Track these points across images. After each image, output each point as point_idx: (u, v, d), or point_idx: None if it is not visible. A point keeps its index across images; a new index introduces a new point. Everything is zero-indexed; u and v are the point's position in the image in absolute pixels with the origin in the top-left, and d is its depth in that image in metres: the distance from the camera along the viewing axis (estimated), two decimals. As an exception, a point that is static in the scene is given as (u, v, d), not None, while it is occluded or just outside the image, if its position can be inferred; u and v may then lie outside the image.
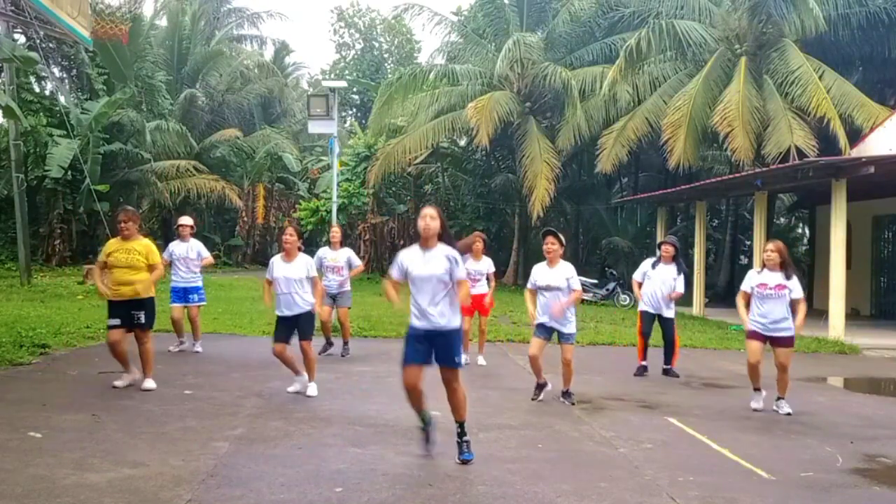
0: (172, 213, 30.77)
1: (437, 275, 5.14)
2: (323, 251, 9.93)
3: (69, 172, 23.00)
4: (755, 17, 19.14)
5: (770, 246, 7.31)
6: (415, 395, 5.26)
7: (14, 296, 15.93)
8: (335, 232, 9.88)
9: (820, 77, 17.69)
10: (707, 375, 9.59)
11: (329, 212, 18.35)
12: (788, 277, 7.18)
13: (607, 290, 20.57)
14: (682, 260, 9.51)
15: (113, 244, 7.24)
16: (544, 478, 4.96)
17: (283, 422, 6.21)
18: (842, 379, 10.15)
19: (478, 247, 9.53)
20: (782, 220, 33.02)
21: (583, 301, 20.39)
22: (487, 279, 9.53)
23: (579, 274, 22.56)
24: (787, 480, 5.13)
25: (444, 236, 5.27)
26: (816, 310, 17.14)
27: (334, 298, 9.71)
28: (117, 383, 7.28)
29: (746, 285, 7.40)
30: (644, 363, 9.34)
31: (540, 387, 7.52)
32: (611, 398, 7.86)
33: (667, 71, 21.42)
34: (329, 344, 9.93)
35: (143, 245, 7.22)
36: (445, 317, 5.18)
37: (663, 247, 9.42)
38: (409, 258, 5.27)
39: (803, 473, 5.31)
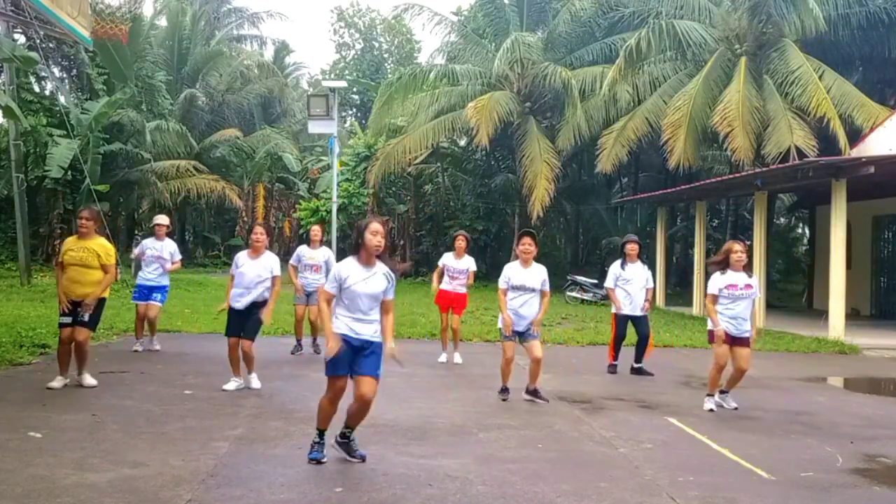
0: (172, 213, 30.79)
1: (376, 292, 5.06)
2: (302, 249, 10.05)
3: (69, 172, 22.96)
4: (755, 17, 19.14)
5: (738, 246, 7.33)
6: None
7: (14, 296, 15.93)
8: (315, 231, 9.91)
9: (820, 77, 17.69)
10: (707, 375, 9.56)
11: (329, 212, 18.34)
12: (750, 276, 7.30)
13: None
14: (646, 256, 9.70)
15: (70, 242, 7.26)
16: (544, 478, 4.96)
17: (283, 422, 6.21)
18: (842, 379, 10.15)
19: (460, 245, 9.59)
20: (782, 220, 33.02)
21: (582, 301, 20.47)
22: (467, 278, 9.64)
23: (579, 274, 22.54)
24: (787, 480, 5.13)
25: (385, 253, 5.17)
26: (816, 310, 17.19)
27: (308, 297, 9.71)
28: (53, 384, 7.15)
29: (714, 288, 7.36)
30: (615, 362, 9.51)
31: (506, 390, 7.56)
32: (611, 398, 7.86)
33: (667, 71, 21.42)
34: (299, 346, 9.96)
35: (100, 245, 7.20)
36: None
37: (629, 245, 9.46)
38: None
39: (803, 473, 5.31)
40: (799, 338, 13.49)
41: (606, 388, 8.47)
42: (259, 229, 7.58)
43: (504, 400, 7.45)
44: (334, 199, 14.32)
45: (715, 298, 7.33)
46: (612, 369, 9.51)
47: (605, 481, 4.95)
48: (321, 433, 5.17)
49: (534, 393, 7.46)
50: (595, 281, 21.11)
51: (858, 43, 20.29)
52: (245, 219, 35.40)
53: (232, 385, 7.47)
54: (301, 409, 6.75)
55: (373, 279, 5.05)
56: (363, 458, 5.14)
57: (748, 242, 7.96)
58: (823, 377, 10.05)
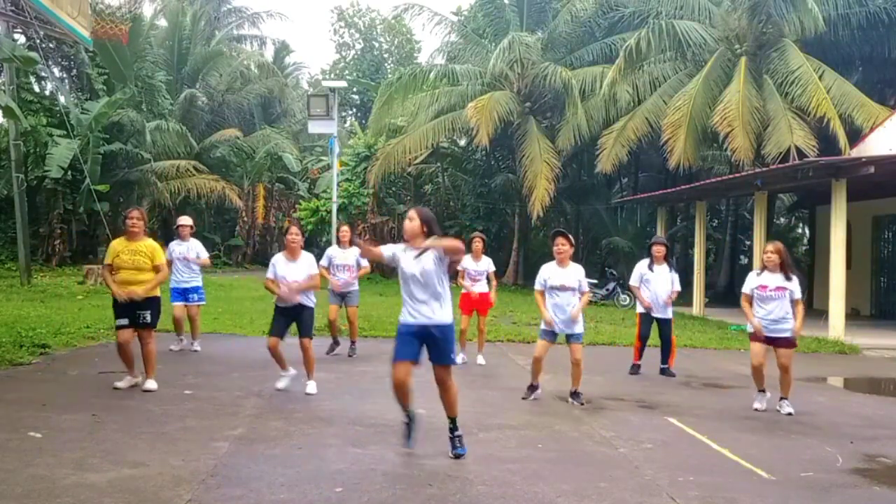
0: (172, 213, 30.76)
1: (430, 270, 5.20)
2: (333, 250, 9.97)
3: (69, 172, 22.98)
4: (755, 17, 19.14)
5: (770, 247, 7.31)
6: (402, 391, 5.36)
7: (14, 296, 15.93)
8: (345, 231, 9.90)
9: (820, 77, 17.69)
10: (707, 375, 9.60)
11: (329, 212, 18.34)
12: (788, 279, 7.19)
13: (607, 290, 20.57)
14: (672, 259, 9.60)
15: (118, 245, 7.22)
16: (544, 478, 4.96)
17: (283, 422, 6.21)
18: (842, 379, 10.15)
19: (477, 247, 9.60)
20: (782, 220, 33.02)
21: (584, 301, 20.44)
22: (488, 279, 9.59)
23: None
24: (787, 480, 5.13)
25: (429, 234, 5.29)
26: (816, 310, 17.16)
27: (343, 297, 9.74)
28: (119, 384, 7.27)
29: (747, 287, 7.43)
30: (639, 362, 9.44)
31: (532, 388, 7.56)
32: (611, 398, 7.86)
33: (667, 71, 21.43)
34: (336, 343, 9.97)
35: (149, 246, 7.21)
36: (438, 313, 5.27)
37: (655, 247, 9.41)
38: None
39: (803, 473, 5.31)
40: (799, 338, 13.45)
41: (606, 388, 8.47)
42: (294, 230, 7.44)
43: (524, 398, 7.47)
44: (334, 199, 14.29)
45: (747, 297, 7.36)
46: (635, 370, 9.37)
47: (605, 481, 4.95)
48: (405, 411, 5.43)
49: (573, 395, 7.46)
50: (595, 281, 21.10)
51: (858, 43, 20.29)
52: (245, 219, 35.41)
53: (284, 382, 7.45)
54: (301, 409, 6.75)
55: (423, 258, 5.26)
56: (457, 457, 5.29)
57: (748, 243, 7.96)
58: (823, 377, 10.04)
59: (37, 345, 9.51)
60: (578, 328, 7.33)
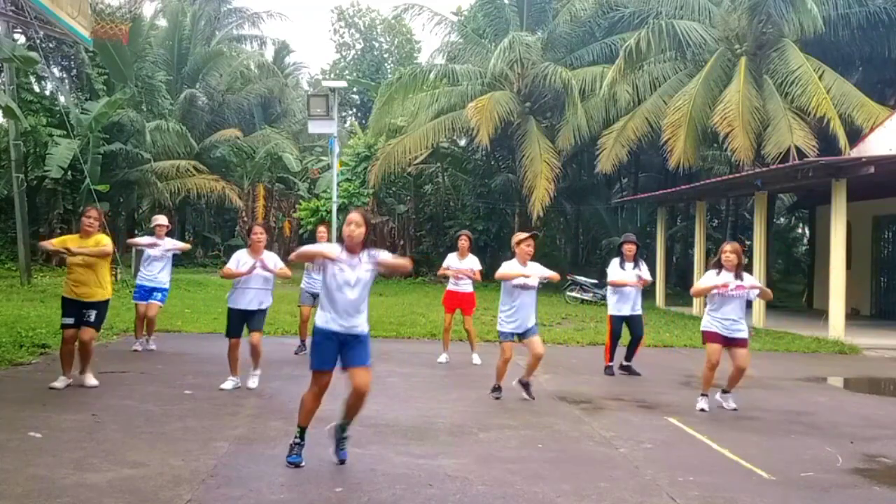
0: (173, 213, 30.75)
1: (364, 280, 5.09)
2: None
3: (69, 172, 22.97)
4: (755, 17, 19.14)
5: (728, 248, 7.39)
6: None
7: (14, 296, 15.92)
8: (322, 232, 9.91)
9: (820, 77, 17.69)
10: (707, 375, 9.57)
11: (329, 212, 18.34)
12: (739, 277, 7.28)
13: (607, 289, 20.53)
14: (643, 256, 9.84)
15: (71, 240, 7.28)
16: (544, 478, 4.96)
17: (283, 422, 6.21)
18: (842, 379, 10.15)
19: (463, 245, 9.61)
20: (782, 220, 33.02)
21: (582, 301, 20.45)
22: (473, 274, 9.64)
23: (579, 274, 22.53)
24: (787, 480, 5.13)
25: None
26: (816, 310, 17.19)
27: (315, 297, 9.72)
28: (55, 384, 7.14)
29: (703, 283, 7.52)
30: (611, 364, 9.54)
31: (499, 388, 7.56)
32: (611, 398, 7.86)
33: (667, 71, 21.42)
34: (303, 346, 9.94)
35: (95, 239, 7.21)
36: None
37: (626, 246, 9.52)
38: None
39: (803, 473, 5.31)
40: (799, 338, 13.49)
41: (606, 388, 8.47)
42: (258, 229, 7.62)
43: (496, 398, 7.46)
44: (334, 199, 14.31)
45: (702, 290, 7.44)
46: (609, 371, 9.49)
47: (605, 481, 4.95)
48: (303, 431, 5.10)
49: (525, 386, 7.48)
50: (595, 281, 21.10)
51: (858, 43, 20.28)
52: (245, 219, 35.39)
53: (229, 384, 7.50)
54: (301, 409, 6.75)
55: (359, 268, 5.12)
56: (342, 461, 5.09)
57: (748, 243, 8.02)
58: (823, 377, 10.04)
59: (37, 345, 9.51)
60: (535, 319, 7.39)
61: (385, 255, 5.19)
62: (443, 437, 5.96)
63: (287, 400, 7.12)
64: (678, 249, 29.14)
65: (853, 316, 16.85)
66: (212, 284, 20.74)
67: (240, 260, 7.52)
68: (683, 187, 19.24)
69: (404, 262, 5.44)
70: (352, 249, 5.04)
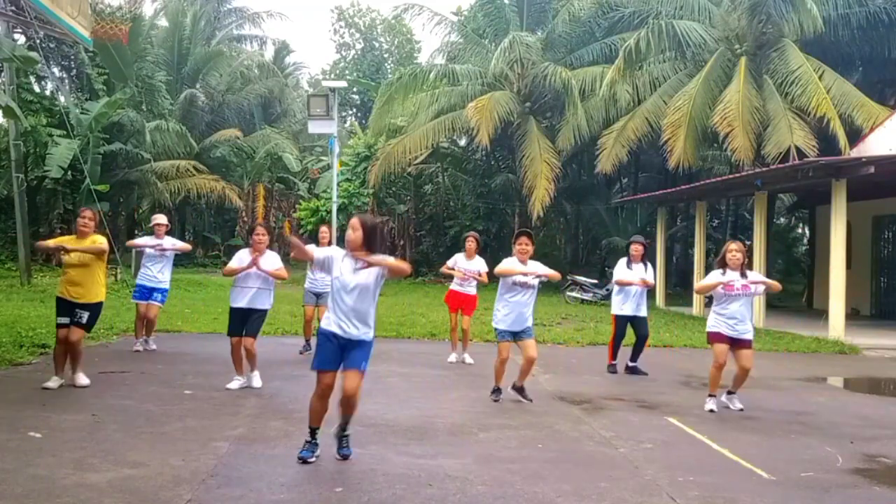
0: (173, 213, 30.75)
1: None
2: (312, 248, 10.01)
3: (69, 172, 22.96)
4: (755, 17, 19.14)
5: (733, 246, 7.39)
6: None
7: (14, 296, 15.92)
8: (324, 232, 9.92)
9: (820, 77, 17.68)
10: (707, 375, 9.53)
11: (329, 212, 18.34)
12: (744, 275, 7.28)
13: (607, 290, 20.53)
14: (650, 258, 9.86)
15: (68, 241, 7.27)
16: (544, 478, 4.96)
17: (283, 422, 6.21)
18: (842, 379, 10.15)
19: (470, 246, 9.66)
20: (782, 220, 33.00)
21: (582, 301, 20.46)
22: (479, 275, 9.65)
23: (579, 274, 22.49)
24: (787, 480, 5.13)
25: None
26: (816, 310, 17.18)
27: (318, 297, 9.75)
28: (49, 384, 7.14)
29: (709, 280, 7.50)
30: (614, 362, 9.55)
31: (499, 390, 7.52)
32: (611, 398, 7.86)
33: (667, 71, 21.42)
34: (308, 345, 9.95)
35: (91, 239, 7.18)
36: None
37: (634, 246, 9.52)
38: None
39: (803, 473, 5.31)
40: (799, 338, 13.48)
41: (606, 388, 8.47)
42: (261, 230, 7.66)
43: (495, 401, 7.43)
44: (334, 199, 14.30)
45: (706, 287, 7.44)
46: (612, 369, 9.54)
47: (605, 481, 4.95)
48: (313, 432, 5.18)
49: (520, 390, 7.45)
50: (595, 281, 21.11)
51: (858, 43, 20.28)
52: (245, 219, 35.40)
53: (235, 384, 7.52)
54: (301, 409, 6.72)
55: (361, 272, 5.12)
56: (345, 457, 5.16)
57: (748, 242, 8.02)
58: (823, 377, 10.04)
59: (37, 345, 9.50)
60: (531, 322, 7.34)
61: (378, 258, 5.09)
62: (443, 437, 5.96)
63: (287, 400, 7.12)
64: (678, 249, 29.14)
65: (853, 316, 16.85)
66: (212, 284, 20.75)
67: (241, 259, 7.55)
68: (683, 187, 19.23)
69: (397, 264, 5.26)
70: (355, 254, 5.05)
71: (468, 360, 9.77)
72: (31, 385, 7.38)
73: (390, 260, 5.20)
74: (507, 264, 7.37)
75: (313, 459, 5.08)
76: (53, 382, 7.19)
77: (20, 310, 13.18)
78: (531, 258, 7.45)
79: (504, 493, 4.61)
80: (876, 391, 9.67)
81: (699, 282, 7.59)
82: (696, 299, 17.98)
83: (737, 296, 7.23)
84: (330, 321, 5.10)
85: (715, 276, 7.43)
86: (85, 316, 7.15)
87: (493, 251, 26.65)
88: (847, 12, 19.60)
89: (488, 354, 10.01)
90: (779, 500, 4.75)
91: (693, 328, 14.83)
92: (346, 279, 5.05)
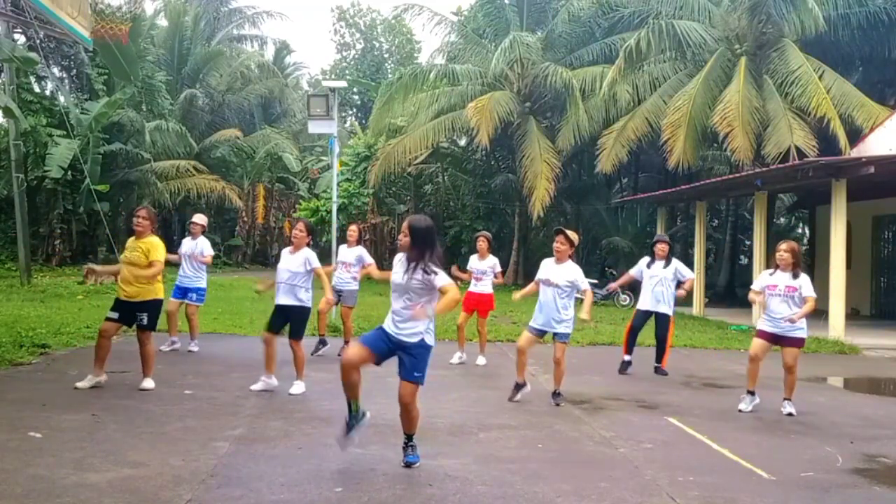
0: (172, 213, 30.76)
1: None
2: (341, 248, 10.19)
3: (69, 172, 22.99)
4: (755, 17, 19.14)
5: (783, 246, 7.31)
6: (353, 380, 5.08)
7: (14, 296, 15.92)
8: (352, 231, 9.97)
9: (820, 77, 17.69)
10: (707, 375, 9.59)
11: (329, 212, 18.33)
12: (796, 277, 7.17)
13: (607, 290, 20.54)
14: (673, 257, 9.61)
15: (129, 242, 7.35)
16: (544, 478, 4.96)
17: (283, 422, 6.21)
18: (842, 379, 10.15)
19: (482, 246, 9.71)
20: (782, 220, 33.03)
21: (582, 301, 20.43)
22: (495, 276, 9.65)
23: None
24: (787, 480, 5.13)
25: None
26: (816, 310, 17.12)
27: (339, 294, 9.77)
28: (80, 384, 7.14)
29: (758, 285, 7.52)
30: (628, 358, 9.37)
31: (518, 387, 7.45)
32: (611, 398, 7.86)
33: (667, 71, 21.42)
34: (322, 343, 9.94)
35: (147, 242, 7.21)
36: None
37: (659, 245, 9.44)
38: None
39: (803, 473, 5.31)
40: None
41: (606, 388, 8.46)
42: (301, 226, 7.74)
43: (510, 399, 7.34)
44: (334, 199, 14.27)
45: (756, 293, 7.52)
46: (624, 368, 9.30)
47: (605, 481, 4.95)
48: (349, 406, 5.16)
49: (553, 395, 7.43)
50: (595, 281, 21.08)
51: (858, 43, 20.28)
52: (245, 219, 35.41)
53: (258, 385, 7.42)
54: (301, 409, 6.75)
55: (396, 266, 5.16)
56: (408, 465, 5.08)
57: (748, 243, 8.01)
58: (823, 377, 10.04)
59: (37, 345, 9.50)
60: (563, 328, 7.27)
61: (418, 310, 4.93)
62: (443, 437, 5.96)
63: (287, 400, 7.12)
64: (678, 249, 29.11)
65: (853, 316, 16.85)
66: (212, 284, 20.70)
67: (281, 257, 7.65)
68: (683, 187, 19.23)
69: (443, 307, 4.89)
70: (414, 313, 4.97)
71: (481, 361, 9.70)
72: (31, 385, 7.39)
73: (432, 307, 4.97)
74: (541, 266, 7.46)
75: (357, 435, 5.15)
76: (87, 382, 7.16)
77: (20, 310, 13.18)
78: (568, 258, 7.38)
79: (504, 493, 4.61)
80: (876, 391, 9.67)
81: (751, 293, 7.72)
82: (696, 299, 17.99)
83: (779, 296, 7.17)
84: (387, 321, 5.15)
85: (763, 277, 7.45)
86: (145, 317, 7.17)
87: (493, 251, 26.69)
88: (847, 12, 19.61)
89: (492, 355, 10.03)
90: (779, 500, 4.75)
91: (693, 328, 14.83)
92: (396, 280, 5.08)
